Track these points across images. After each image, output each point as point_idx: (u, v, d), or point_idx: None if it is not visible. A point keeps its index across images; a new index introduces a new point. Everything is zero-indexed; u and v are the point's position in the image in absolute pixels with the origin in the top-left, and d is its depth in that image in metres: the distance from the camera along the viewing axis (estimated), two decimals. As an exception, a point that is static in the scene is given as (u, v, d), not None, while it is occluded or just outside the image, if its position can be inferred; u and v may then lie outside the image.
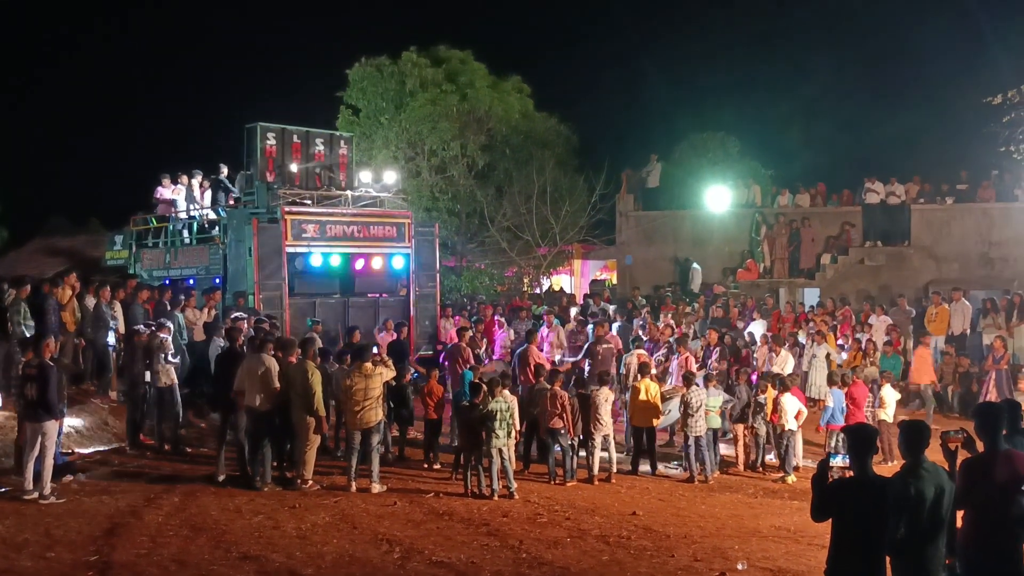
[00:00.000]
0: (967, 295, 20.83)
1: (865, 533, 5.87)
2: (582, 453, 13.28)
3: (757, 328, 19.44)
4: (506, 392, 12.39)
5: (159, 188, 20.75)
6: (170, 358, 13.93)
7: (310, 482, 12.00)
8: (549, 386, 12.95)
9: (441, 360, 15.75)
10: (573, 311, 21.24)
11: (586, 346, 16.48)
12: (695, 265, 25.28)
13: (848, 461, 6.06)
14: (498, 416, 11.83)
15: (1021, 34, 24.87)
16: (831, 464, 6.12)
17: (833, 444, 13.28)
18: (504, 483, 11.87)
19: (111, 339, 15.20)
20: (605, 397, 13.18)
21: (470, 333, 16.18)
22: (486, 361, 16.82)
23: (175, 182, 20.86)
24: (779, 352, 16.70)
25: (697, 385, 13.59)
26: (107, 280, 16.77)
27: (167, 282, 18.96)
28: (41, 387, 10.89)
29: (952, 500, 5.95)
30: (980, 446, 6.37)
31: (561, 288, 29.93)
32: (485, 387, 12.19)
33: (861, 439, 6.14)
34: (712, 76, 39.30)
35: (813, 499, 6.12)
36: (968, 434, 6.44)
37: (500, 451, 11.85)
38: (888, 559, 5.94)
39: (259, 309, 16.59)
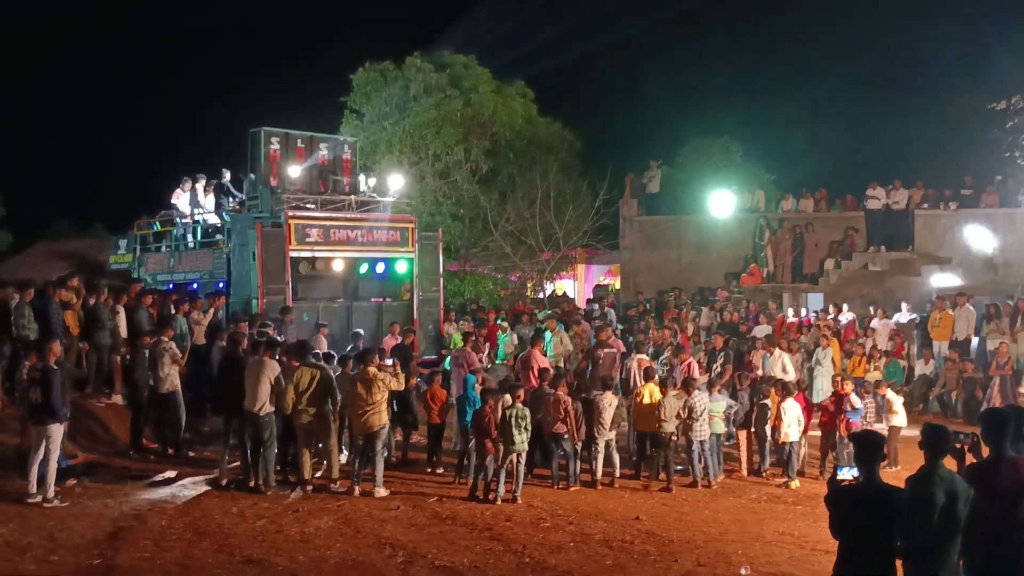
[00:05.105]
0: (971, 300, 20.82)
1: (872, 539, 5.85)
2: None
3: (761, 333, 19.43)
4: (507, 396, 12.40)
5: (178, 191, 20.69)
6: (174, 362, 13.96)
7: (338, 483, 12.09)
8: (552, 391, 12.95)
9: (447, 365, 15.76)
10: None
11: (587, 350, 16.46)
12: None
13: (855, 473, 6.05)
14: (521, 421, 11.92)
15: (1025, 40, 24.88)
16: (839, 478, 6.11)
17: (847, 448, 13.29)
18: (510, 487, 11.87)
19: (107, 339, 15.14)
20: (608, 402, 13.16)
21: (475, 338, 16.24)
22: (488, 366, 16.81)
23: (183, 187, 20.84)
24: (773, 351, 16.69)
25: (700, 389, 13.56)
26: (106, 283, 16.72)
27: (171, 286, 18.99)
28: (45, 391, 10.91)
29: (967, 507, 5.93)
30: (986, 451, 6.36)
31: (564, 293, 29.95)
32: (508, 392, 12.27)
33: (868, 446, 6.13)
34: (715, 81, 39.35)
35: (831, 518, 6.10)
36: (977, 438, 6.43)
37: (519, 455, 11.92)
38: (900, 564, 5.93)
39: (262, 313, 16.64)
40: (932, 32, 33.70)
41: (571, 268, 31.15)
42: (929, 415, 18.58)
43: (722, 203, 27.07)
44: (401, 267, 19.47)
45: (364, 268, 19.32)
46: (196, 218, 20.30)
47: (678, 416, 13.18)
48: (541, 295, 27.84)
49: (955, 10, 32.88)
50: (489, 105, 27.34)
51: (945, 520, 5.83)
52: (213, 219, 20.07)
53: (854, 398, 13.72)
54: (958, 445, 6.39)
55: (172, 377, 13.93)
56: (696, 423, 13.13)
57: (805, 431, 13.83)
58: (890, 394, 14.41)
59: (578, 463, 12.97)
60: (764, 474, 13.86)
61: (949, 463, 6.23)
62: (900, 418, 14.26)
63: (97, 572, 8.69)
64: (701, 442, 13.16)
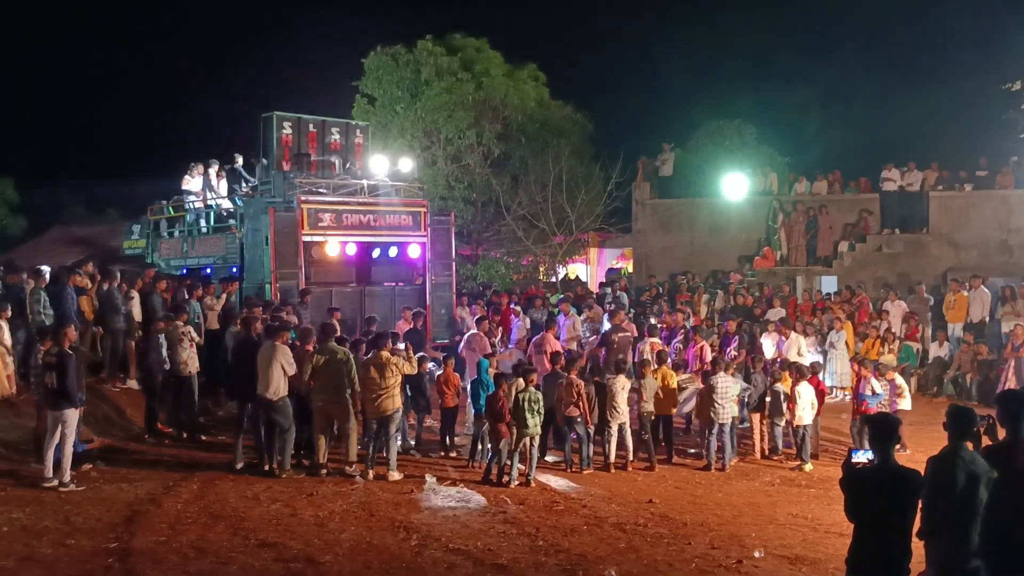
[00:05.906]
0: (986, 282, 20.70)
1: (887, 522, 5.84)
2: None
3: (775, 316, 19.38)
4: (520, 380, 12.41)
5: (187, 176, 20.75)
6: (193, 345, 14.04)
7: (354, 466, 12.14)
8: (565, 374, 12.95)
9: (459, 349, 15.77)
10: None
11: (602, 334, 16.45)
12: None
13: (870, 455, 6.04)
14: (534, 404, 11.96)
15: (1041, 20, 24.62)
16: (854, 460, 6.10)
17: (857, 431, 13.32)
18: (523, 471, 11.89)
19: (121, 324, 15.20)
20: (622, 385, 13.16)
21: (488, 322, 16.23)
22: (502, 349, 16.81)
23: (191, 172, 20.88)
24: (788, 335, 16.63)
25: (721, 372, 13.50)
26: (120, 268, 16.78)
27: (184, 271, 19.04)
28: (60, 375, 10.96)
29: (989, 489, 5.90)
30: (1002, 434, 6.34)
31: (577, 277, 29.91)
32: (521, 376, 12.30)
33: (884, 428, 6.12)
34: (728, 63, 39.16)
35: (846, 501, 6.09)
36: (993, 420, 6.41)
37: (532, 439, 11.97)
38: (923, 544, 5.93)
39: (275, 298, 16.67)
40: (946, 12, 33.43)
41: (583, 252, 31.08)
42: (943, 398, 18.52)
43: (735, 186, 26.93)
44: (413, 251, 19.47)
45: (376, 252, 19.33)
46: (209, 203, 20.34)
47: (656, 396, 13.27)
48: (554, 279, 27.81)
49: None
50: (501, 89, 27.23)
51: (965, 501, 5.82)
52: (226, 204, 20.10)
53: (874, 382, 13.68)
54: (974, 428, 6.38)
55: (192, 360, 14.01)
56: (719, 404, 13.12)
57: (818, 414, 13.81)
58: (898, 379, 14.37)
59: (591, 446, 12.99)
60: (778, 457, 13.84)
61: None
62: (906, 402, 14.23)
63: (113, 555, 8.73)
64: (721, 425, 13.15)
